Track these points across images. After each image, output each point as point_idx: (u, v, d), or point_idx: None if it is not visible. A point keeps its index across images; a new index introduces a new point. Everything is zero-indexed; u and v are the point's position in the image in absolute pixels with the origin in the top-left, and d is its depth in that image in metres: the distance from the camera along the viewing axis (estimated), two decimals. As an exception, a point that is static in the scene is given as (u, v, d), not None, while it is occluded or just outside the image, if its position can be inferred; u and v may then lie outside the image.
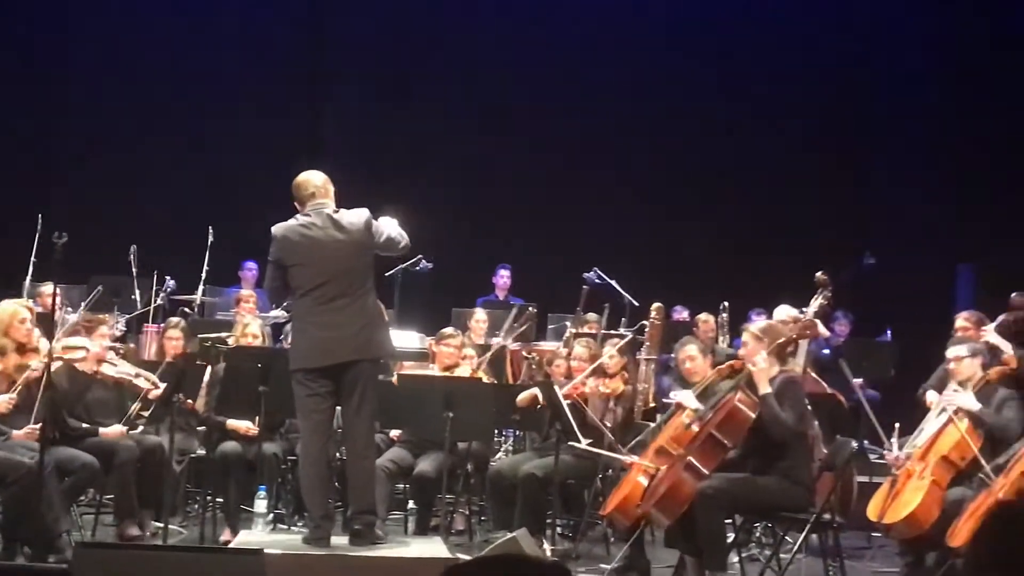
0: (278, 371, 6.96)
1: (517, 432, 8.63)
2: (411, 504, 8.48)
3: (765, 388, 6.57)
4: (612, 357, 8.25)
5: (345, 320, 6.37)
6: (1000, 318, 8.38)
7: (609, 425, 7.99)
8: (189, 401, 7.95)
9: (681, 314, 11.46)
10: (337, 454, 7.59)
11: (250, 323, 8.50)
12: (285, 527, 7.80)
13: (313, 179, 6.58)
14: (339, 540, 6.54)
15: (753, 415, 6.60)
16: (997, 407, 7.13)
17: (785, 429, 6.54)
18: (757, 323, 7.61)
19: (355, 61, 13.67)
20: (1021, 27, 11.88)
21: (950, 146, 11.99)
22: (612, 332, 10.31)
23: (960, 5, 12.67)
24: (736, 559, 7.34)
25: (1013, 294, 8.54)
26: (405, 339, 9.55)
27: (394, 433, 8.33)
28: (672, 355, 9.13)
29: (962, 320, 8.43)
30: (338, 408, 6.63)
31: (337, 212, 6.51)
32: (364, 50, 13.58)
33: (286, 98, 13.40)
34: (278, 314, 9.50)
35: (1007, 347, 8.02)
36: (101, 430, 7.59)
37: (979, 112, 11.71)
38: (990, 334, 8.19)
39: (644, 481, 7.01)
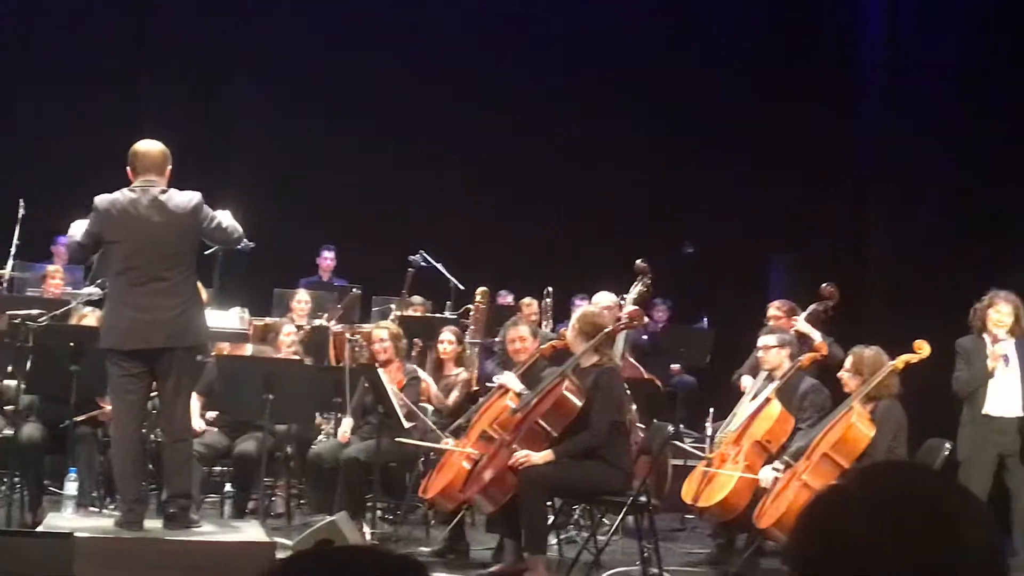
0: (92, 350, 6.75)
1: (338, 415, 8.53)
2: (228, 488, 8.33)
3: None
4: (450, 343, 8.27)
5: (161, 303, 6.20)
6: (810, 307, 8.67)
7: (447, 407, 8.03)
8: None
9: (506, 298, 11.53)
10: (152, 436, 7.40)
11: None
12: (96, 510, 7.57)
13: (150, 152, 6.36)
14: (153, 524, 6.39)
15: (579, 403, 6.68)
16: (802, 395, 7.39)
17: (600, 440, 6.65)
18: (580, 309, 7.69)
19: (178, 29, 13.29)
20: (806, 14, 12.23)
21: (764, 138, 12.31)
22: (437, 316, 10.32)
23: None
24: (555, 541, 7.44)
25: (823, 284, 8.83)
26: (224, 319, 9.36)
27: (209, 415, 8.17)
28: (496, 339, 9.19)
29: (774, 309, 8.70)
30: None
31: (166, 192, 6.31)
32: (187, 18, 13.21)
33: (105, 65, 12.95)
34: (92, 291, 9.19)
35: (816, 335, 8.31)
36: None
37: (790, 105, 12.04)
38: (800, 322, 8.47)
39: (467, 466, 7.03)
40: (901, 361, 7.02)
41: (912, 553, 1.35)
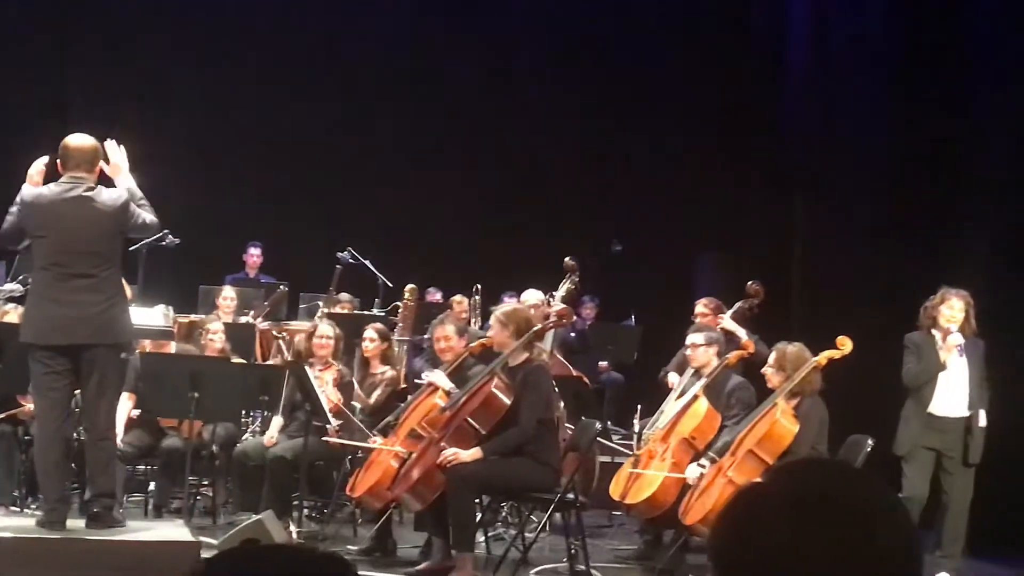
0: (14, 347, 6.64)
1: (265, 412, 8.49)
2: (152, 486, 8.25)
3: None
4: (372, 340, 8.23)
5: (85, 300, 6.12)
6: (736, 305, 8.75)
7: (370, 405, 8.00)
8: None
9: (434, 296, 11.52)
10: (75, 434, 7.29)
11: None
12: (17, 510, 7.45)
13: (81, 147, 6.27)
14: (76, 523, 6.30)
15: (508, 401, 6.68)
16: (729, 393, 7.46)
17: (528, 436, 6.67)
18: (504, 306, 7.63)
19: (100, 24, 13.09)
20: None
21: (692, 137, 12.40)
22: (365, 313, 10.28)
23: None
24: (482, 538, 7.45)
25: (749, 282, 8.92)
26: (149, 316, 9.25)
27: (133, 412, 8.07)
28: (425, 336, 9.17)
29: (701, 307, 8.77)
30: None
31: (94, 189, 6.23)
32: (110, 12, 13.03)
33: (28, 58, 12.72)
34: (13, 287, 9.04)
35: (742, 333, 8.39)
36: None
37: (718, 104, 12.13)
38: (726, 320, 8.55)
39: (395, 464, 7.01)
40: (824, 357, 7.11)
41: (829, 549, 1.37)
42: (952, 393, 7.29)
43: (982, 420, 7.27)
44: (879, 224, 9.62)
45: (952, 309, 7.25)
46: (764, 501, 1.44)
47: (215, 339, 8.49)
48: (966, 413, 7.28)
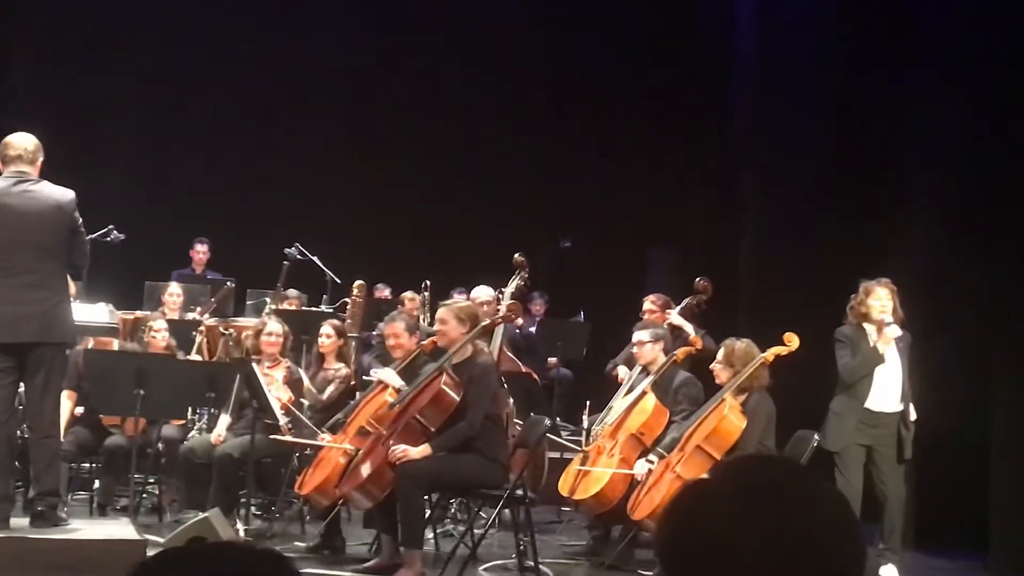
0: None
1: (212, 410, 8.43)
2: (96, 484, 8.16)
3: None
4: (329, 336, 8.19)
5: (31, 297, 6.03)
6: (684, 301, 8.79)
7: (322, 401, 7.96)
8: None
9: (383, 292, 11.48)
10: (19, 432, 7.20)
11: None
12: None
13: (23, 143, 6.18)
14: (19, 522, 6.22)
15: (457, 398, 6.67)
16: (676, 389, 7.49)
17: (476, 431, 6.66)
18: (451, 302, 7.61)
19: (45, 16, 12.93)
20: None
21: (641, 134, 12.43)
22: (313, 309, 10.23)
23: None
24: (431, 535, 7.43)
25: (697, 278, 8.97)
26: (93, 313, 9.15)
27: (77, 410, 7.99)
28: (374, 333, 9.14)
29: (649, 303, 8.80)
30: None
31: (38, 184, 6.15)
32: (54, 5, 12.87)
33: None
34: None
35: (690, 328, 8.43)
36: None
37: (666, 101, 12.18)
38: (674, 316, 8.59)
39: (344, 461, 6.98)
40: (771, 353, 7.16)
41: (773, 540, 1.38)
42: (887, 387, 7.18)
43: (913, 414, 7.21)
44: (826, 220, 9.70)
45: (881, 299, 7.14)
46: (709, 496, 1.45)
47: (158, 336, 8.42)
48: (899, 408, 7.18)
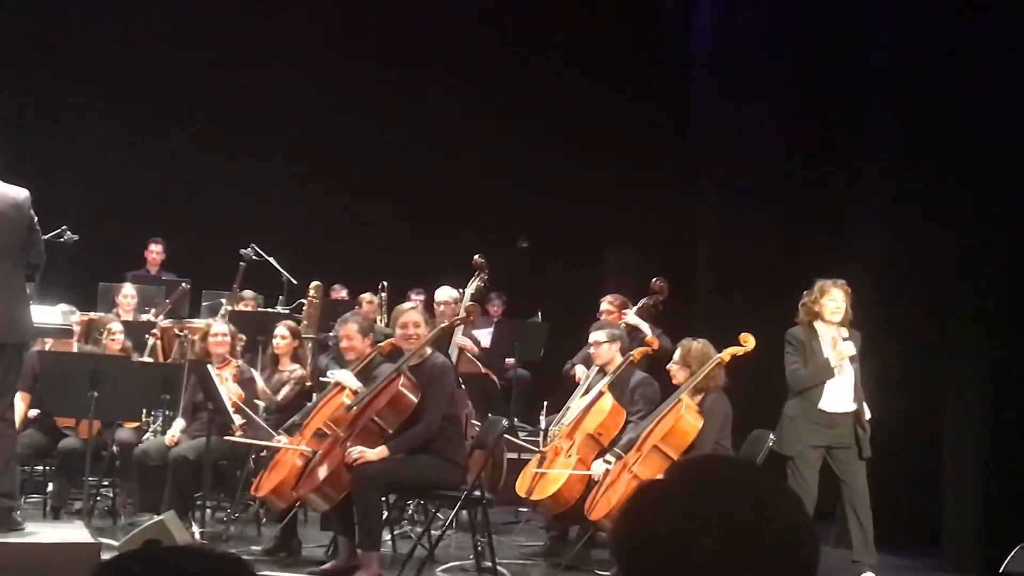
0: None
1: (167, 412, 8.38)
2: (50, 487, 8.08)
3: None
4: (284, 338, 8.15)
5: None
6: (641, 301, 8.82)
7: (276, 403, 7.93)
8: None
9: (339, 292, 11.44)
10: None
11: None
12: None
13: None
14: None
15: (415, 399, 6.66)
16: (633, 388, 7.51)
17: (433, 433, 6.65)
18: (409, 305, 7.58)
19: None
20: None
21: (598, 134, 12.45)
22: (269, 311, 10.18)
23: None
24: (388, 537, 7.42)
25: (654, 278, 9.01)
26: (47, 314, 9.06)
27: (31, 412, 7.90)
28: (330, 334, 9.11)
29: (606, 303, 8.82)
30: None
31: None
32: (9, 4, 12.72)
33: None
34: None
35: (646, 328, 8.46)
36: None
37: (623, 102, 12.20)
38: (631, 316, 8.61)
39: (300, 463, 6.95)
40: (727, 354, 7.19)
41: (726, 544, 1.39)
42: (841, 388, 7.10)
43: (868, 413, 7.14)
44: (782, 220, 9.76)
45: (835, 301, 7.04)
46: (663, 496, 1.46)
47: (116, 339, 8.37)
48: (853, 407, 7.10)
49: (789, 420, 7.15)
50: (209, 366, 7.65)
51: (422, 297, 10.14)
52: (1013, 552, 6.36)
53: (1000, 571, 6.41)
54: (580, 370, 8.35)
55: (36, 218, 6.18)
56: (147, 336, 9.20)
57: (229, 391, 7.64)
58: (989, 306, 7.86)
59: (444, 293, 9.23)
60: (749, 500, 1.43)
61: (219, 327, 8.19)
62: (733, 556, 1.38)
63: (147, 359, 8.92)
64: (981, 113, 7.98)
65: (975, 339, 7.91)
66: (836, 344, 7.11)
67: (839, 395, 7.13)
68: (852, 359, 7.14)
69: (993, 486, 7.68)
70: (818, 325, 7.15)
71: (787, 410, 7.18)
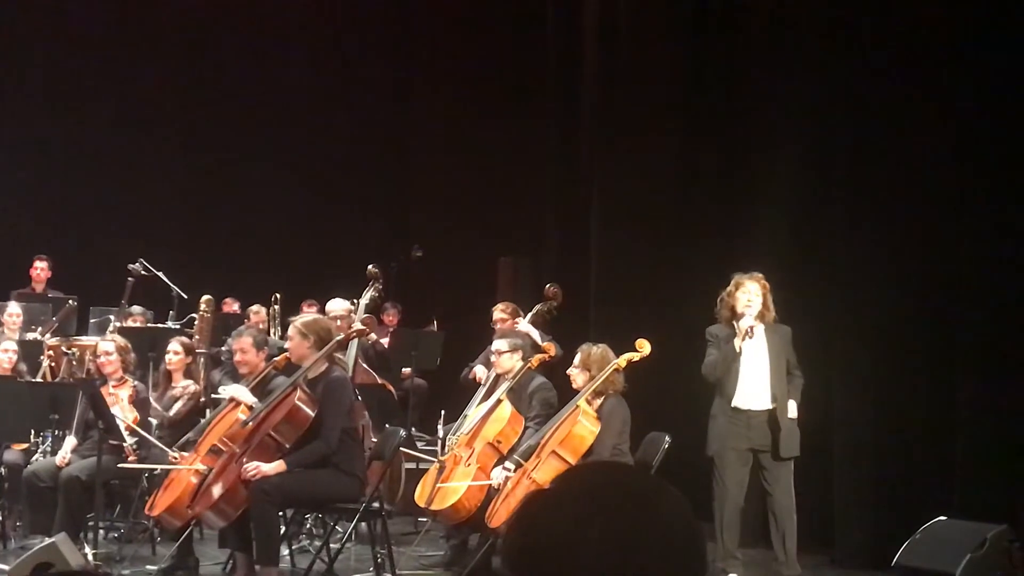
0: None
1: (56, 432, 8.19)
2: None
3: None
4: (176, 354, 8.01)
5: None
6: (535, 308, 8.85)
7: (169, 419, 7.80)
8: None
9: (231, 306, 11.30)
10: None
11: None
12: None
13: None
14: None
15: (312, 413, 6.59)
16: (530, 394, 7.54)
17: (332, 447, 6.59)
18: (303, 317, 7.48)
19: None
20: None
21: (491, 142, 12.47)
22: (159, 326, 10.01)
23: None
24: (287, 551, 7.34)
25: (547, 285, 9.04)
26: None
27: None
28: (223, 348, 8.99)
29: (499, 311, 8.82)
30: None
31: None
32: None
33: None
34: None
35: (537, 336, 8.47)
36: None
37: (518, 110, 12.23)
38: (523, 323, 8.63)
39: (196, 481, 6.84)
40: (624, 359, 7.25)
41: (614, 549, 1.41)
42: (753, 385, 7.04)
43: (791, 411, 7.05)
44: (674, 225, 9.83)
45: (748, 293, 7.01)
46: (551, 503, 1.47)
47: (5, 358, 8.20)
48: (770, 406, 7.04)
49: (711, 419, 7.17)
50: (103, 384, 7.50)
51: (315, 308, 10.04)
52: (904, 545, 6.52)
53: (892, 564, 6.56)
54: (480, 370, 8.36)
55: None
56: (42, 358, 9.00)
57: (124, 414, 7.50)
58: (877, 302, 8.02)
59: (336, 305, 9.14)
60: (631, 501, 1.45)
61: (104, 346, 8.03)
62: (620, 561, 1.40)
63: (37, 379, 8.72)
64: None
65: (857, 339, 8.06)
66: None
67: (752, 391, 7.07)
68: (769, 354, 7.05)
69: (883, 483, 7.84)
70: (736, 321, 7.06)
71: (712, 409, 7.18)
